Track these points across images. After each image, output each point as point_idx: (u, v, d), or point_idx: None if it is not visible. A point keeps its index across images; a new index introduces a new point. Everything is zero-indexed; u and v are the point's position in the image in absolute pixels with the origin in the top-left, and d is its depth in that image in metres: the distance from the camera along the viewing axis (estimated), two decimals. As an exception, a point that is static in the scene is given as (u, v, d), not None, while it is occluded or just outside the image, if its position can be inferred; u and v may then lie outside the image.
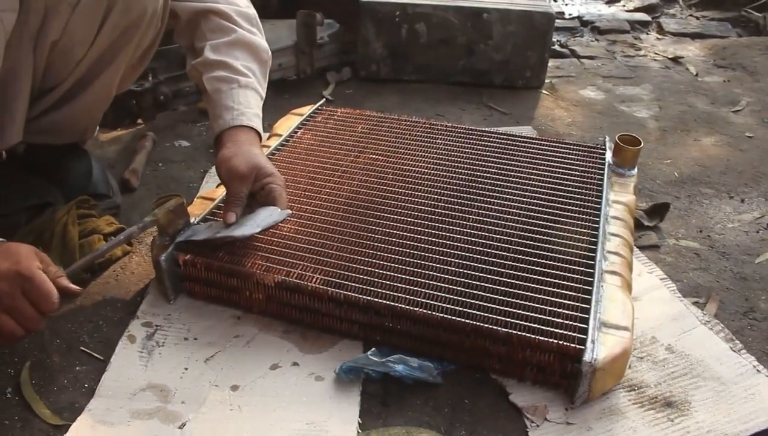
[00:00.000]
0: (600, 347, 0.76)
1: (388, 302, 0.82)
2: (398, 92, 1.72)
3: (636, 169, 1.12)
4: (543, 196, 1.03)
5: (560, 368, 0.78)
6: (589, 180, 1.08)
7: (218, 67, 1.00)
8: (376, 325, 0.85)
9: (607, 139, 1.19)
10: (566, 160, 1.13)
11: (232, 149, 0.95)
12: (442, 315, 0.80)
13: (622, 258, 0.92)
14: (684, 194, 1.30)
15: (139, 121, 1.51)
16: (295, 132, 1.23)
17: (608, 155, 1.14)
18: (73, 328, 0.91)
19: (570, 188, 1.05)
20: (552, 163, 1.12)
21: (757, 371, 0.84)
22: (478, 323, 0.79)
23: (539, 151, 1.16)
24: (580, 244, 0.93)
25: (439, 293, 0.83)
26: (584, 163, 1.13)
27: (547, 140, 1.20)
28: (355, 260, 0.89)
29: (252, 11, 1.09)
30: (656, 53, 2.13)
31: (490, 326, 0.78)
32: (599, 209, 1.00)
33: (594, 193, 1.04)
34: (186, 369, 0.83)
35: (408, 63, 1.75)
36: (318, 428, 0.76)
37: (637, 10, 2.59)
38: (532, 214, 0.99)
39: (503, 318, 0.79)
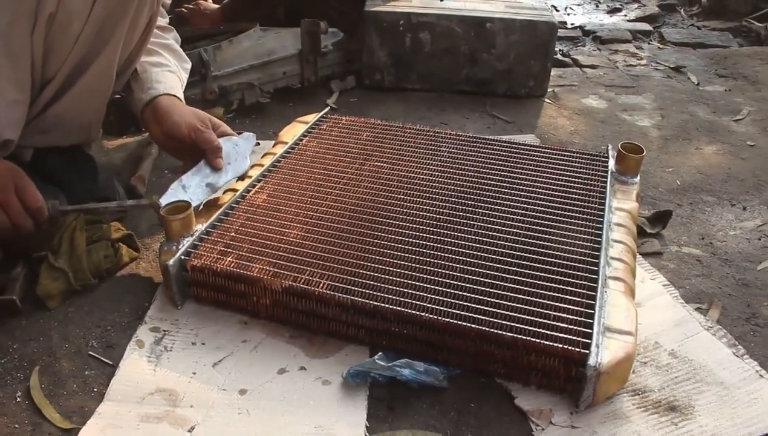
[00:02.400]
0: (604, 352, 0.76)
1: (394, 307, 0.83)
2: (402, 101, 1.74)
3: (639, 177, 1.13)
4: (547, 203, 1.04)
5: (565, 372, 0.79)
6: (592, 188, 1.09)
7: (147, 54, 1.12)
8: (382, 330, 0.85)
9: (610, 147, 1.20)
10: (570, 168, 1.14)
11: (182, 109, 1.08)
12: (447, 320, 0.81)
13: (625, 264, 0.93)
14: (686, 202, 1.31)
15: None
16: (301, 140, 1.24)
17: (611, 163, 1.15)
18: (82, 333, 0.92)
19: (573, 196, 1.06)
20: (555, 171, 1.13)
21: (760, 375, 0.85)
22: (483, 328, 0.79)
23: (543, 159, 1.17)
24: (583, 250, 0.94)
25: (445, 299, 0.84)
26: (587, 171, 1.14)
27: (551, 148, 1.21)
28: (361, 266, 0.90)
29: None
30: (658, 63, 2.15)
31: (496, 331, 0.79)
32: (602, 216, 1.01)
33: (597, 200, 1.05)
34: (194, 373, 0.84)
35: (412, 72, 1.77)
36: (325, 432, 0.77)
37: (638, 19, 2.61)
38: (536, 220, 1.00)
39: (508, 323, 0.80)
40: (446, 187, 1.08)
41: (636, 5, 2.80)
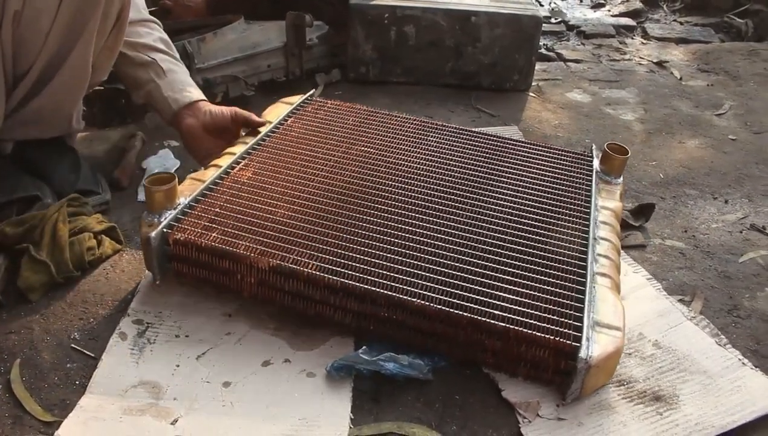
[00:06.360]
0: (594, 345, 0.77)
1: (385, 292, 0.82)
2: (387, 94, 1.73)
3: (622, 178, 1.13)
4: (535, 198, 1.04)
5: (554, 364, 0.79)
6: (578, 186, 1.09)
7: (162, 52, 1.17)
8: (370, 314, 0.84)
9: (594, 147, 1.20)
10: (556, 166, 1.14)
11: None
12: (440, 307, 0.80)
13: (611, 261, 0.93)
14: (669, 195, 1.32)
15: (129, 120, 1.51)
16: (285, 120, 1.22)
17: (596, 163, 1.16)
18: (64, 325, 0.91)
19: (561, 192, 1.06)
20: (542, 167, 1.13)
21: (743, 363, 0.86)
22: (476, 317, 0.79)
23: (529, 155, 1.17)
24: (572, 245, 0.94)
25: (436, 286, 0.83)
26: (574, 169, 1.14)
27: (537, 144, 1.21)
28: (350, 249, 0.89)
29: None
30: (641, 57, 2.16)
31: (488, 320, 0.79)
32: (589, 214, 1.01)
33: (584, 198, 1.05)
34: (177, 366, 0.84)
35: (397, 65, 1.76)
36: (310, 424, 0.76)
37: (622, 15, 2.63)
38: (525, 214, 0.99)
39: (500, 313, 0.80)
40: (435, 176, 1.08)
41: (619, 0, 2.81)
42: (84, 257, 0.99)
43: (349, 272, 0.84)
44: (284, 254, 0.87)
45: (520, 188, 1.06)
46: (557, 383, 0.81)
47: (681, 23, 2.58)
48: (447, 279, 0.85)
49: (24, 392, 0.80)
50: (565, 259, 0.91)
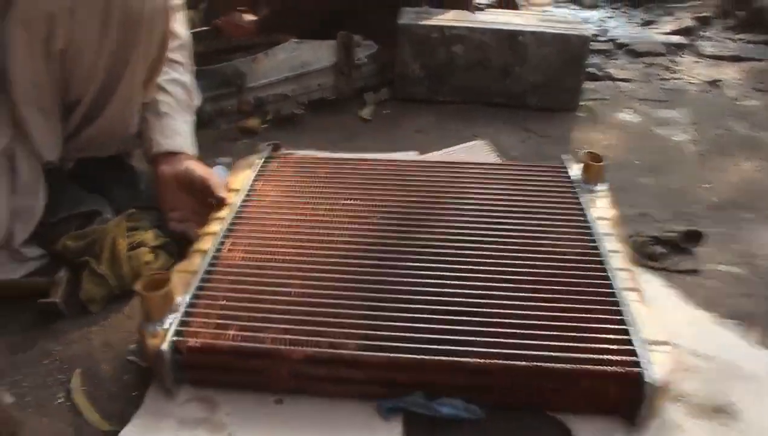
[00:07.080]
0: (654, 366, 0.75)
1: (442, 358, 0.76)
2: (435, 113, 1.74)
3: (604, 184, 1.11)
4: (535, 222, 1.01)
5: (619, 393, 0.77)
6: (566, 200, 1.07)
7: (167, 94, 1.15)
8: (427, 383, 0.78)
9: (563, 156, 1.18)
10: (537, 183, 1.12)
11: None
12: (502, 362, 0.76)
13: (630, 272, 0.91)
14: (724, 219, 1.29)
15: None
16: (254, 185, 1.12)
17: (572, 173, 1.13)
18: (122, 337, 0.93)
19: (555, 211, 1.04)
20: (525, 188, 1.10)
21: None
22: (541, 364, 0.76)
23: (509, 177, 1.14)
24: (589, 266, 0.92)
25: (490, 339, 0.79)
26: (556, 185, 1.11)
27: (511, 165, 1.18)
28: (384, 317, 0.82)
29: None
30: (692, 76, 2.12)
31: (552, 365, 0.76)
32: (590, 228, 0.99)
33: (577, 213, 1.03)
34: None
35: (445, 84, 1.77)
36: (361, 446, 0.77)
37: (673, 32, 2.59)
38: (531, 240, 0.96)
39: (560, 354, 0.77)
40: (430, 217, 1.03)
41: (670, 18, 2.78)
42: (141, 270, 1.01)
43: (395, 345, 0.78)
44: (317, 339, 0.79)
45: (517, 214, 1.03)
46: (621, 411, 0.79)
47: (734, 41, 2.53)
48: (495, 330, 0.80)
49: (85, 401, 0.82)
50: (589, 281, 0.89)
